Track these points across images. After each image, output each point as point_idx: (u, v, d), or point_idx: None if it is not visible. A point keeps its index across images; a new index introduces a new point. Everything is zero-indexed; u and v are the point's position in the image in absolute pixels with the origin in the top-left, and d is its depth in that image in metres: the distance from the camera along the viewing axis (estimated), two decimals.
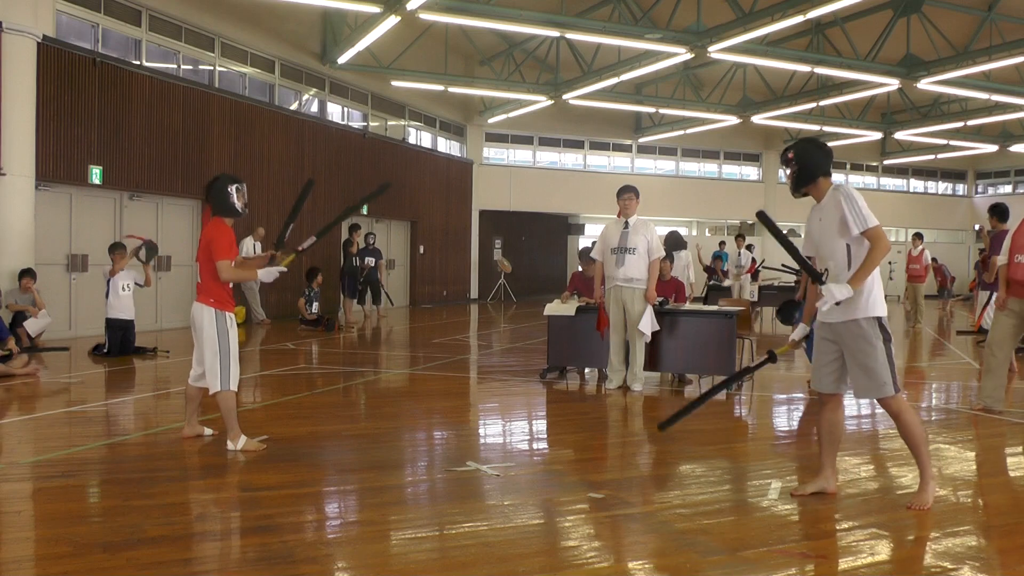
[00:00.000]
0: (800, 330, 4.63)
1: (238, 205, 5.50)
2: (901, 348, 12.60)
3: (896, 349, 4.54)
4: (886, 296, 4.53)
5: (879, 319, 4.30)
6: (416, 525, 4.07)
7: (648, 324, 8.02)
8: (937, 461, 5.49)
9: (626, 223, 8.07)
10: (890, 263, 26.70)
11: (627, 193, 8.14)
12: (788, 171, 4.49)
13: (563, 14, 15.06)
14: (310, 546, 3.74)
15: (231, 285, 5.54)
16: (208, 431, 5.73)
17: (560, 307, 8.84)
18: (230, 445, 5.37)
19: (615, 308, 8.09)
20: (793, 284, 14.79)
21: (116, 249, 10.48)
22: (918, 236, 16.42)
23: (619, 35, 15.51)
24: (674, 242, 10.83)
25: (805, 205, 4.51)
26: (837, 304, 4.25)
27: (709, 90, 22.46)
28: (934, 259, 23.80)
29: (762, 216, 4.62)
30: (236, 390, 5.50)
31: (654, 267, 8.05)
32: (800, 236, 8.30)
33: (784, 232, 4.54)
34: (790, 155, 4.46)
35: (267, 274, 5.54)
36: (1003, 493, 4.91)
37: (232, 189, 5.46)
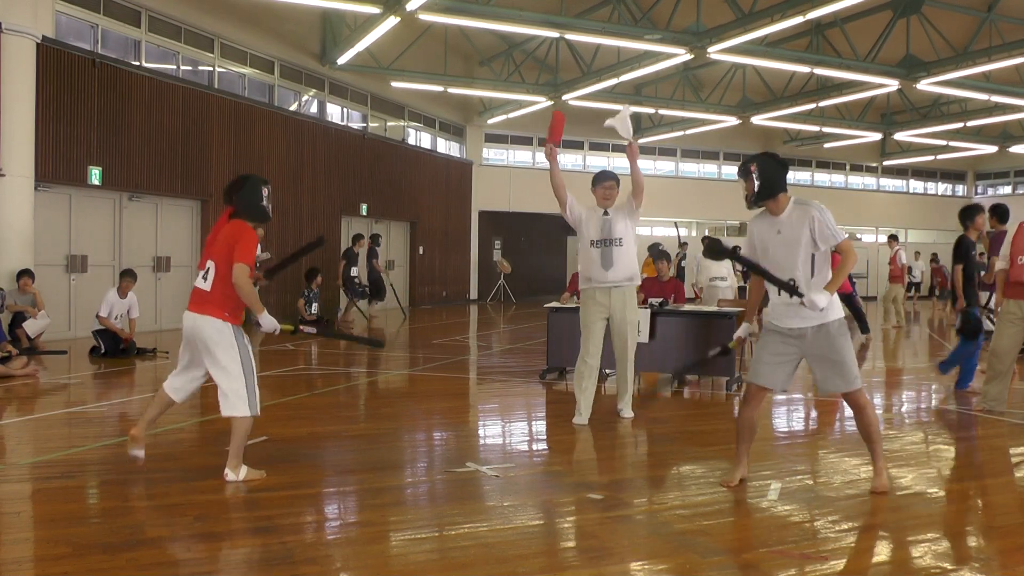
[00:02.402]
0: (744, 328, 4.91)
1: (269, 209, 4.89)
2: (880, 348, 12.60)
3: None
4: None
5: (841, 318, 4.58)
6: (416, 526, 4.07)
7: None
8: (937, 462, 5.50)
9: (605, 211, 6.71)
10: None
11: (609, 180, 6.73)
12: (747, 183, 4.59)
13: (562, 15, 15.06)
14: (310, 547, 3.74)
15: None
16: (141, 454, 4.92)
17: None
18: (230, 476, 4.71)
19: (596, 317, 6.60)
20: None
21: (127, 276, 10.59)
22: (893, 238, 16.48)
23: (619, 36, 15.50)
24: (657, 254, 10.73)
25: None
26: (821, 310, 4.40)
27: (709, 91, 22.45)
28: (934, 259, 23.85)
29: (714, 245, 4.75)
30: (259, 414, 4.82)
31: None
32: None
33: (743, 256, 4.70)
34: (752, 167, 4.56)
35: (268, 322, 4.77)
36: (1004, 493, 4.90)
37: (265, 191, 4.84)
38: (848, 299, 13.92)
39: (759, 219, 4.69)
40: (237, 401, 4.67)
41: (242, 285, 4.63)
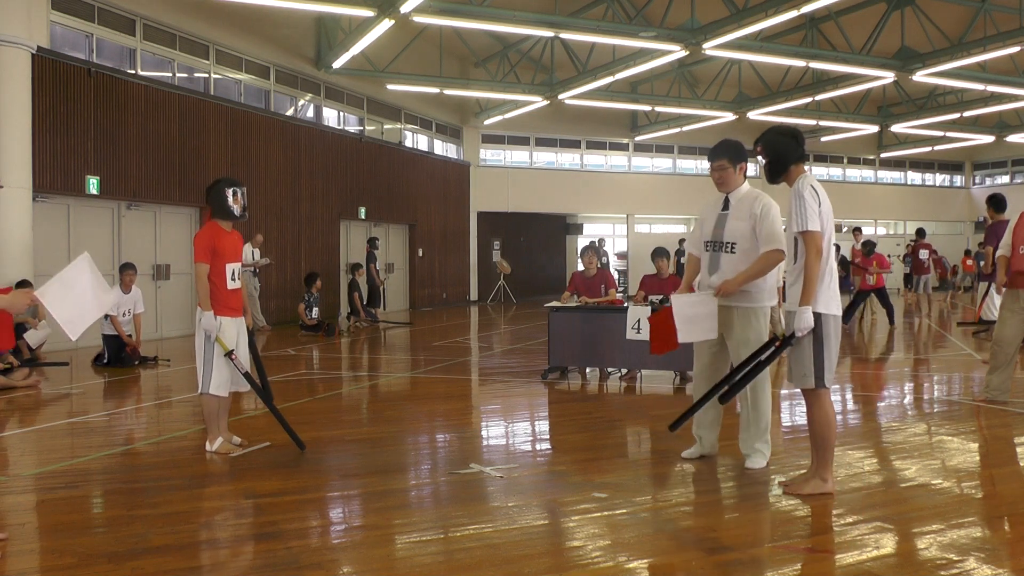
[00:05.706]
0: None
1: (235, 208, 5.55)
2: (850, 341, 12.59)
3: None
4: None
5: (818, 315, 4.32)
6: (420, 528, 4.07)
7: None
8: (940, 452, 5.50)
9: (726, 201, 5.11)
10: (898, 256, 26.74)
11: (719, 159, 5.11)
12: (761, 162, 4.59)
13: (557, 14, 15.06)
14: (315, 552, 3.74)
15: (227, 287, 5.53)
16: (237, 439, 5.73)
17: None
18: (207, 446, 5.58)
19: (705, 342, 5.22)
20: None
21: (127, 269, 10.51)
22: (857, 230, 16.62)
23: (613, 34, 15.51)
24: (656, 252, 10.61)
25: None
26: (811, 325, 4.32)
27: (704, 87, 22.46)
28: (933, 251, 23.85)
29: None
30: (221, 395, 5.52)
31: (766, 259, 4.85)
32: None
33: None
34: (758, 148, 4.58)
35: (208, 321, 5.38)
36: (1009, 483, 4.90)
37: (229, 192, 5.53)
38: (880, 293, 14.45)
39: None
40: (199, 380, 5.51)
41: (196, 280, 5.52)
